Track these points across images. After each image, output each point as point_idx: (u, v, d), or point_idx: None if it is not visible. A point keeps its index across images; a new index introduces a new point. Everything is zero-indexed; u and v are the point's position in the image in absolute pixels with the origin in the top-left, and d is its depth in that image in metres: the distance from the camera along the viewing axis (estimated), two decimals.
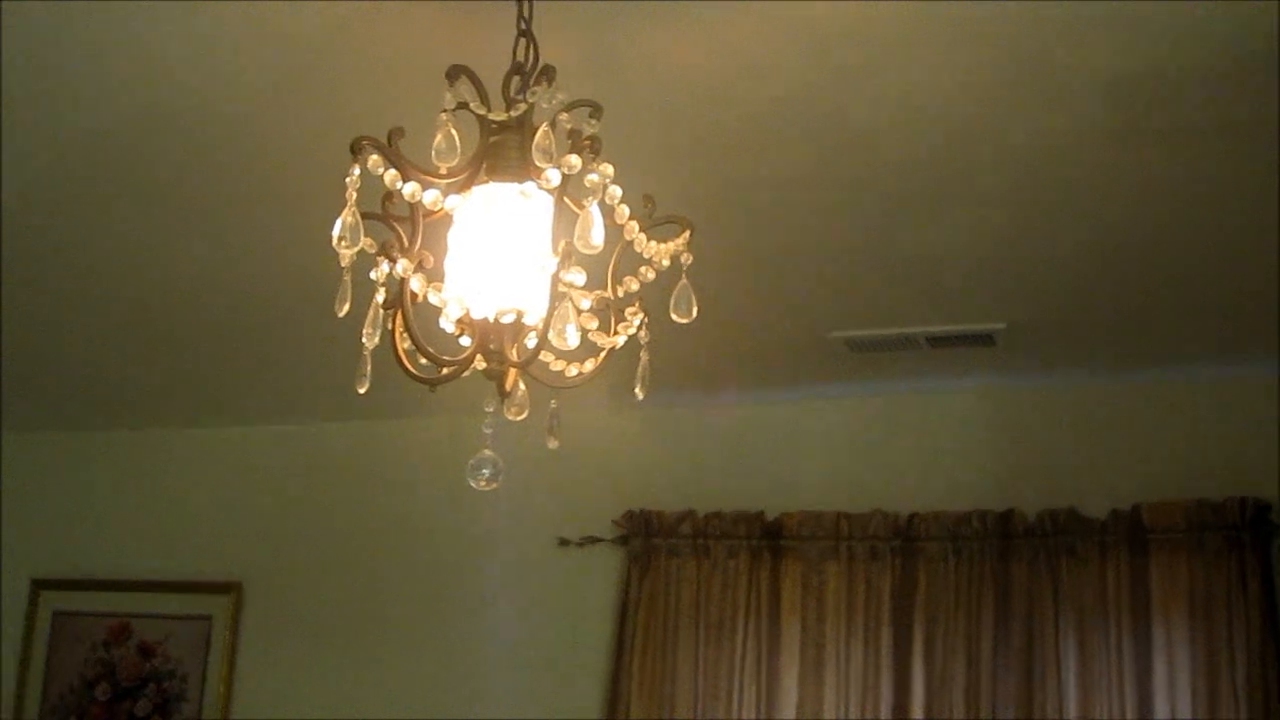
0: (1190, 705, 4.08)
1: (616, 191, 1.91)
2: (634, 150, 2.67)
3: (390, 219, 1.96)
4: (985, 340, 4.08)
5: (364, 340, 1.91)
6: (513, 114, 1.98)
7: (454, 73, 1.93)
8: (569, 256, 1.84)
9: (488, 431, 1.98)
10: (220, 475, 5.65)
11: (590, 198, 1.85)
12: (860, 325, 4.03)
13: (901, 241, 3.40)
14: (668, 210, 2.13)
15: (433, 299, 1.94)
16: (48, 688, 5.63)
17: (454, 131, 1.90)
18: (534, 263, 1.90)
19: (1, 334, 4.35)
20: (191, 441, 5.71)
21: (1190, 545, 4.19)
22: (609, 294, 2.04)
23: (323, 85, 2.63)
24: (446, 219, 1.98)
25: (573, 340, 1.86)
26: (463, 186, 1.96)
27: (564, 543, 4.99)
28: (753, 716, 4.50)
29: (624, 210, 1.95)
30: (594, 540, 4.95)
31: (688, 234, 2.08)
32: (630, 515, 4.85)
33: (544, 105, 1.94)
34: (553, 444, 2.11)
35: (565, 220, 1.92)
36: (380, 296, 1.91)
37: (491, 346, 1.93)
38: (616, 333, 2.06)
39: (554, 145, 1.86)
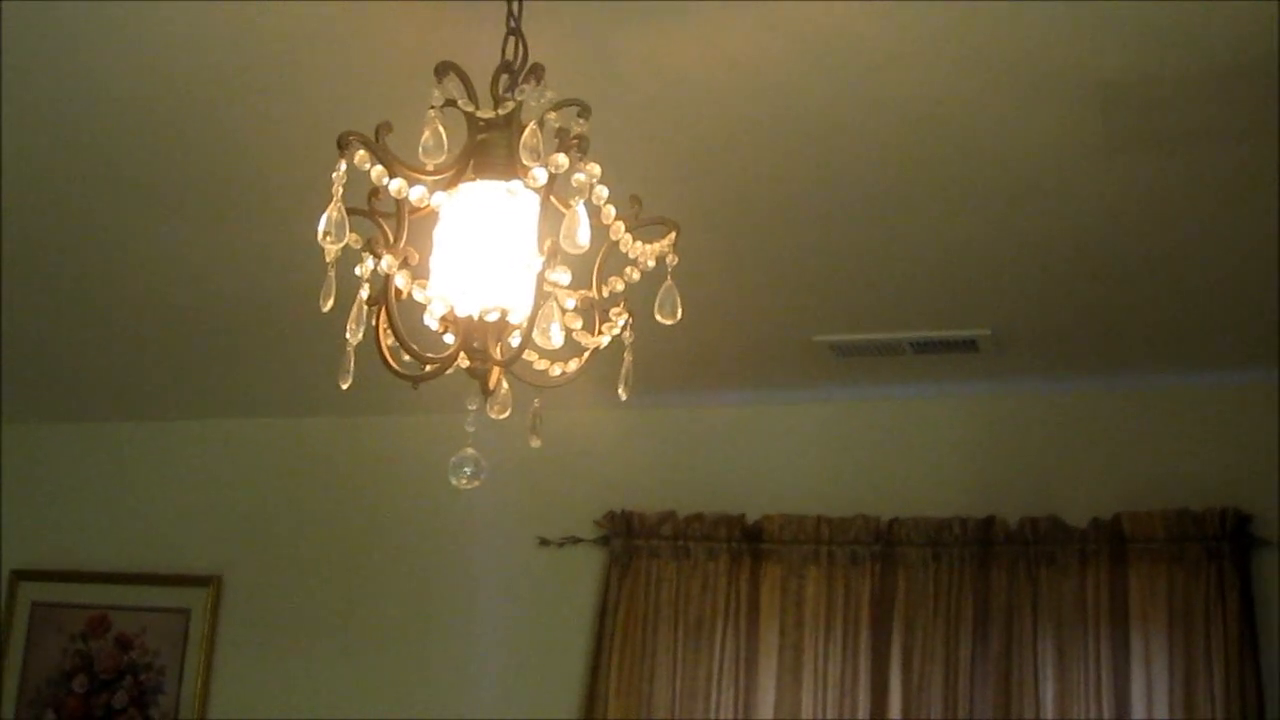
0: (1167, 714, 4.09)
1: (603, 191, 1.91)
2: (623, 151, 2.68)
3: (376, 215, 1.96)
4: (969, 346, 4.08)
5: (348, 336, 1.90)
6: (501, 112, 1.97)
7: (442, 69, 1.93)
8: (554, 255, 1.84)
9: (470, 430, 1.98)
10: (201, 468, 5.64)
11: (577, 197, 1.84)
12: (845, 330, 4.04)
13: (888, 246, 3.40)
14: (655, 211, 2.13)
15: (417, 296, 1.94)
16: (25, 679, 5.61)
17: (441, 128, 1.89)
18: (519, 261, 1.90)
19: None
20: (173, 434, 5.70)
21: (1170, 555, 4.20)
22: (594, 294, 2.04)
23: (312, 81, 2.63)
24: (432, 216, 1.97)
25: (557, 340, 1.86)
26: (449, 184, 1.96)
27: (544, 542, 4.99)
28: (730, 718, 4.50)
29: (610, 210, 1.95)
30: (575, 540, 4.95)
31: (674, 235, 2.08)
32: (611, 515, 4.85)
33: (532, 104, 1.93)
34: (535, 443, 2.11)
35: (551, 219, 1.92)
36: (365, 292, 1.91)
37: (475, 345, 1.93)
38: (601, 333, 2.05)
39: (541, 144, 1.86)
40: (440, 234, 1.97)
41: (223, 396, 5.33)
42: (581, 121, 1.91)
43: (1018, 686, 4.25)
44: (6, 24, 2.43)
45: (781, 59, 2.48)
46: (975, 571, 4.40)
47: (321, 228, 1.85)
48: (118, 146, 3.00)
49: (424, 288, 1.94)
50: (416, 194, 1.90)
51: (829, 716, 4.42)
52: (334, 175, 1.85)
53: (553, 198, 1.93)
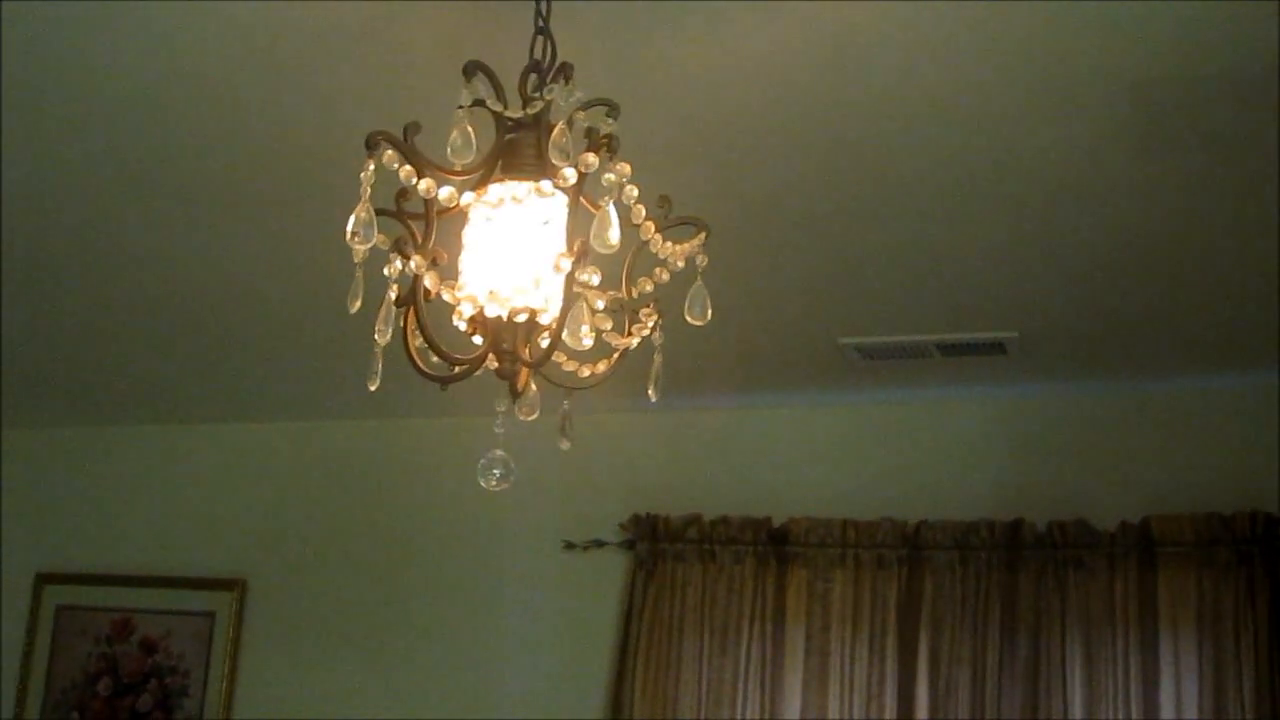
0: (1197, 718, 4.06)
1: (634, 191, 1.90)
2: (648, 151, 2.67)
3: (404, 215, 1.95)
4: (997, 349, 4.06)
5: (376, 337, 1.89)
6: (529, 111, 1.96)
7: (471, 69, 1.91)
8: (584, 256, 1.82)
9: (499, 431, 1.97)
10: (227, 471, 5.65)
11: (607, 197, 1.83)
12: (872, 332, 4.02)
13: (915, 248, 3.38)
14: (681, 212, 2.11)
15: (445, 297, 1.93)
16: (50, 682, 5.63)
17: (470, 128, 1.87)
18: (549, 262, 1.88)
19: (4, 328, 4.34)
20: (199, 437, 5.71)
21: (1199, 559, 4.17)
22: (624, 295, 2.03)
23: (339, 82, 2.62)
24: (461, 216, 1.96)
25: (587, 341, 1.84)
26: (478, 184, 1.95)
27: (570, 546, 4.98)
28: None
29: (640, 210, 1.93)
30: (600, 544, 4.94)
31: (703, 235, 2.06)
32: (636, 519, 4.84)
33: (561, 103, 1.92)
34: (565, 445, 2.09)
35: (580, 220, 1.91)
36: (393, 293, 1.90)
37: (504, 346, 1.92)
38: (631, 334, 2.04)
39: (571, 143, 1.85)
40: (469, 234, 1.96)
41: (249, 400, 5.33)
42: (610, 121, 1.90)
43: (1045, 691, 4.23)
44: (7, 22, 2.42)
45: (808, 61, 2.46)
46: (1003, 575, 4.37)
47: (350, 228, 1.84)
48: (137, 146, 2.98)
49: (452, 289, 1.93)
50: (445, 194, 1.89)
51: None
52: (362, 175, 1.84)
53: (582, 198, 1.92)
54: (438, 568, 5.20)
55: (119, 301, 4.11)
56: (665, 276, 2.05)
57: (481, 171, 1.95)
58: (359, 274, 1.89)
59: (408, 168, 1.86)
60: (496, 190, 1.95)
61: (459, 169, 1.91)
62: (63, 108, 2.80)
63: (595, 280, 1.88)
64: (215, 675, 5.38)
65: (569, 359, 2.04)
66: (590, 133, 1.91)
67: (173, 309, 4.15)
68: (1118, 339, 3.98)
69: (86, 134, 2.93)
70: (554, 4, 2.09)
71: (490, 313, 1.91)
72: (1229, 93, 2.50)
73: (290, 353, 4.59)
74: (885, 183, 3.00)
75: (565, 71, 1.93)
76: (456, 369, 1.93)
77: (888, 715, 4.38)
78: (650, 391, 2.05)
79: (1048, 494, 4.46)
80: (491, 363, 1.93)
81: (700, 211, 2.16)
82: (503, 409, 1.97)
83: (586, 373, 2.06)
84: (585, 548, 4.96)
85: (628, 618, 4.78)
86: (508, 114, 1.96)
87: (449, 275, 1.94)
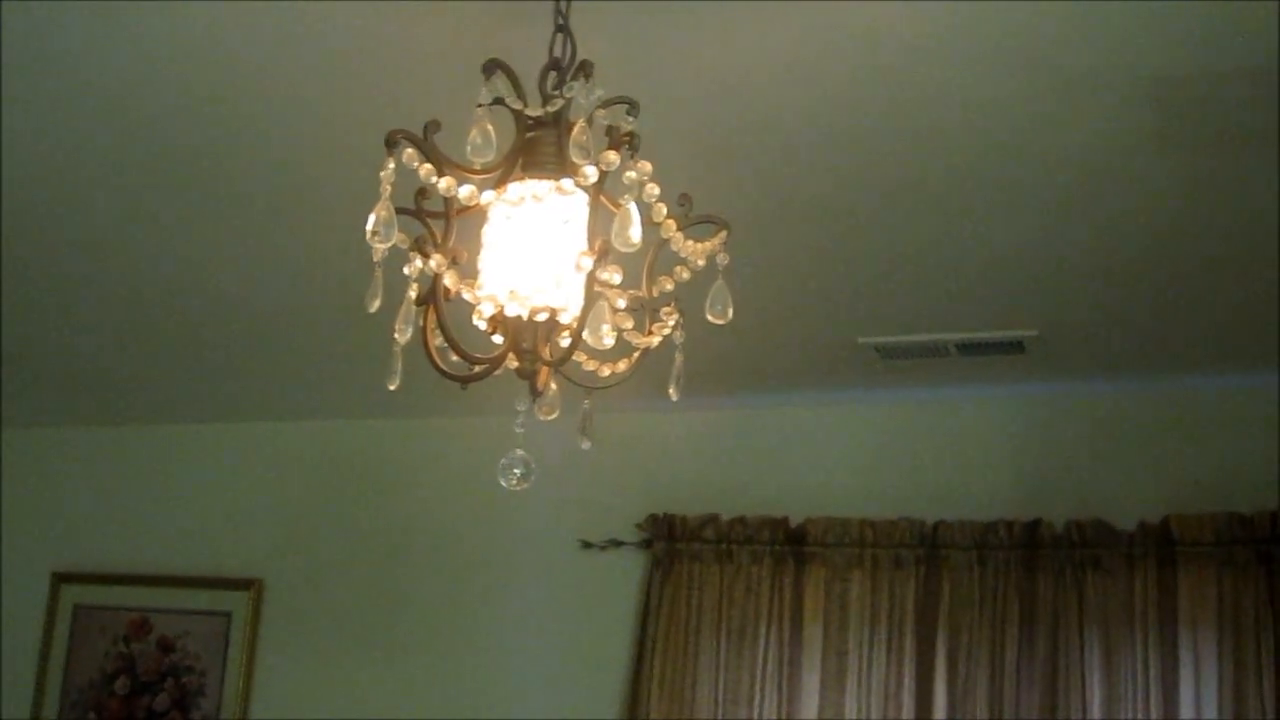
0: (1216, 718, 4.04)
1: (654, 189, 1.89)
2: (667, 150, 2.65)
3: (424, 214, 1.94)
4: (1016, 348, 4.04)
5: (396, 336, 1.89)
6: (549, 109, 1.95)
7: (490, 67, 1.91)
8: (605, 254, 1.82)
9: (519, 430, 1.96)
10: (244, 471, 5.65)
11: (628, 195, 1.82)
12: (890, 331, 4.01)
13: (934, 248, 3.37)
14: (701, 210, 2.10)
15: (466, 296, 1.92)
16: (67, 681, 5.64)
17: (490, 127, 1.86)
18: (569, 261, 1.87)
19: (20, 327, 4.35)
20: (216, 436, 5.72)
21: (1219, 559, 4.15)
22: (644, 294, 2.02)
23: (359, 80, 2.62)
24: (481, 215, 1.96)
25: (608, 340, 1.83)
26: (498, 182, 1.94)
27: (587, 545, 4.97)
28: None
29: (662, 209, 1.92)
30: (617, 543, 4.93)
31: (724, 234, 2.05)
32: (653, 519, 4.83)
33: (581, 101, 1.90)
34: (586, 444, 2.08)
35: (600, 218, 1.90)
36: (413, 292, 1.89)
37: (524, 345, 1.91)
38: (651, 333, 2.03)
39: (591, 141, 1.84)
40: (489, 233, 1.96)
41: (266, 400, 5.34)
42: (631, 119, 1.89)
43: (1064, 691, 4.21)
44: (7, 21, 2.42)
45: (828, 59, 2.46)
46: (1021, 575, 4.36)
47: (370, 227, 1.84)
48: (151, 145, 2.98)
49: (472, 288, 1.92)
50: (465, 192, 1.88)
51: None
52: (382, 174, 1.84)
53: (602, 196, 1.91)
54: (454, 567, 5.20)
55: (140, 301, 4.11)
56: (686, 275, 2.05)
57: (501, 170, 1.94)
58: (378, 273, 1.88)
59: (428, 166, 1.85)
60: (516, 189, 1.94)
61: (479, 167, 1.90)
62: (65, 108, 2.80)
63: (616, 279, 1.87)
64: (232, 674, 5.38)
65: (589, 358, 2.03)
66: (610, 131, 1.90)
67: (191, 308, 4.15)
68: (1137, 337, 3.97)
69: (99, 134, 2.93)
70: (574, 2, 2.08)
71: (510, 312, 1.91)
72: (1251, 91, 2.48)
73: (307, 352, 4.59)
74: (904, 183, 2.99)
75: (585, 69, 1.92)
76: (476, 368, 1.92)
77: (905, 715, 4.36)
78: (671, 391, 2.04)
79: (1066, 493, 4.44)
80: (512, 362, 1.92)
81: (720, 210, 2.15)
82: (523, 408, 1.97)
83: (607, 372, 2.05)
84: (602, 547, 4.95)
85: (644, 618, 4.77)
86: (528, 112, 1.95)
87: (469, 274, 1.93)
